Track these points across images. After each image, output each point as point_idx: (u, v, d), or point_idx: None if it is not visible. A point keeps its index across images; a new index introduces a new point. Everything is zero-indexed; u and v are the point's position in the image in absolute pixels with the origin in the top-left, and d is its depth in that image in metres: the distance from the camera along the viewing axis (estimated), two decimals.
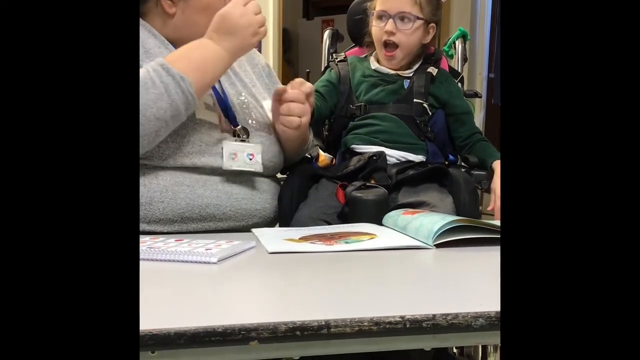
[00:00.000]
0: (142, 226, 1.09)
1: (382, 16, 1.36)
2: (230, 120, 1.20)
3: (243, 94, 1.27)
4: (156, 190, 1.09)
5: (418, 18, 1.35)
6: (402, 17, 1.35)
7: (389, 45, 1.37)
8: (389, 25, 1.35)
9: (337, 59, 1.52)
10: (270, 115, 1.29)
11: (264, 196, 1.21)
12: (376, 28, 1.39)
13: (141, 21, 1.18)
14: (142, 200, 1.08)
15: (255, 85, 1.34)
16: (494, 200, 1.28)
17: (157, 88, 1.03)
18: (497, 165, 1.33)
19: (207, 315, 0.60)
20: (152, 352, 0.56)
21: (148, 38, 1.16)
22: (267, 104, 1.31)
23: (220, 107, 1.20)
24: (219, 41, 1.09)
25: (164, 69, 1.04)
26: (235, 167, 1.16)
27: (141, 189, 1.09)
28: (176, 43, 1.19)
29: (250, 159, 1.18)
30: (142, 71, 1.05)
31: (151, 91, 1.02)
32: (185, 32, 1.19)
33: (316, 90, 1.40)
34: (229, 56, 1.11)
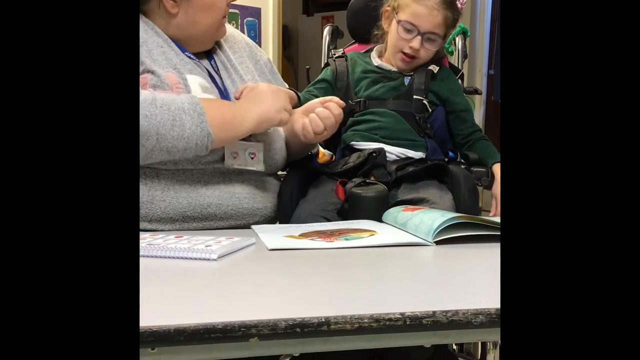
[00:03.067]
0: (144, 225, 1.09)
1: (410, 30, 1.35)
2: None
3: None
4: (157, 188, 1.09)
5: (442, 40, 1.36)
6: (430, 37, 1.34)
7: (408, 55, 1.37)
8: (416, 42, 1.34)
9: (335, 55, 1.52)
10: None
11: (266, 195, 1.21)
12: (400, 38, 1.36)
13: (144, 19, 1.18)
14: (143, 199, 1.08)
15: (257, 82, 1.33)
16: (495, 206, 1.29)
17: (184, 131, 1.05)
18: (496, 169, 1.33)
19: (207, 312, 0.60)
20: (152, 349, 0.56)
21: (151, 37, 1.16)
22: None
23: None
24: (246, 109, 1.13)
25: (200, 117, 1.06)
26: (236, 166, 1.16)
27: (142, 187, 1.08)
28: (180, 42, 1.19)
29: (252, 158, 1.18)
30: (179, 101, 1.06)
31: (177, 130, 1.04)
32: (189, 31, 1.19)
33: (311, 92, 1.40)
34: (252, 125, 1.13)
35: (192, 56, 1.21)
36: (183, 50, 1.20)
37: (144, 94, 1.04)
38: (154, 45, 1.15)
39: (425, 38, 1.34)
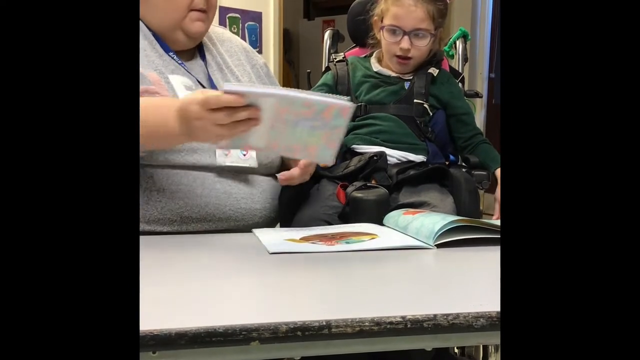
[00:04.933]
0: (142, 226, 1.09)
1: (395, 31, 1.35)
2: None
3: None
4: (153, 190, 1.09)
5: (431, 34, 1.35)
6: (416, 33, 1.34)
7: (402, 57, 1.37)
8: (405, 42, 1.34)
9: (335, 59, 1.52)
10: None
11: (264, 195, 1.21)
12: (389, 43, 1.37)
13: None
14: (139, 200, 1.09)
15: (254, 84, 1.34)
16: (499, 210, 1.29)
17: None
18: (499, 173, 1.33)
19: (208, 316, 0.60)
20: (153, 353, 0.56)
21: None
22: None
23: None
24: (180, 123, 0.97)
25: None
26: (228, 163, 1.15)
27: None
28: (163, 39, 1.19)
29: (244, 155, 1.17)
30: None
31: None
32: (148, 16, 1.18)
33: None
34: (184, 138, 1.00)
35: (175, 57, 1.20)
36: (167, 50, 1.20)
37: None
38: None
39: (412, 36, 1.34)
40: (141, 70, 1.12)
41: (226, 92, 0.88)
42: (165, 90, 1.12)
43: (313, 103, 0.89)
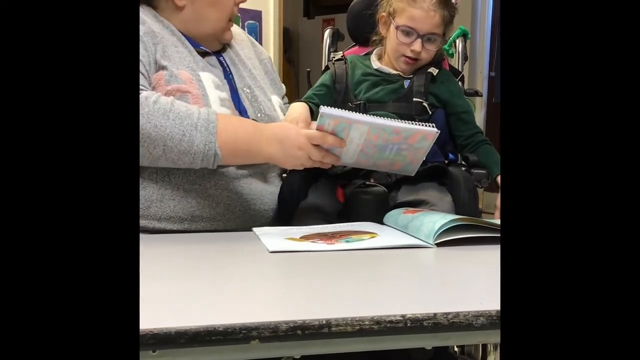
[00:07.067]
0: (153, 223, 1.10)
1: (409, 32, 1.35)
2: (240, 114, 1.21)
3: (252, 86, 1.28)
4: (168, 187, 1.10)
5: (441, 37, 1.36)
6: (429, 37, 1.34)
7: (410, 58, 1.37)
8: (417, 45, 1.34)
9: (334, 58, 1.52)
10: (278, 109, 1.30)
11: (272, 197, 1.22)
12: (400, 43, 1.36)
13: (159, 17, 1.19)
14: (153, 197, 1.09)
15: (264, 79, 1.36)
16: (499, 218, 1.29)
17: (192, 147, 1.04)
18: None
19: (208, 315, 0.60)
20: (153, 352, 0.56)
21: (166, 35, 1.18)
22: (275, 99, 1.32)
23: (233, 100, 1.21)
24: (268, 143, 1.09)
25: (210, 137, 1.05)
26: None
27: (153, 186, 1.09)
28: (186, 36, 1.20)
29: None
30: (194, 116, 1.05)
31: (184, 145, 1.04)
32: (195, 26, 1.21)
33: (310, 98, 1.40)
34: (263, 159, 1.12)
35: (205, 48, 1.22)
36: (195, 45, 1.21)
37: (162, 101, 1.04)
38: (168, 44, 1.16)
39: (425, 39, 1.34)
40: (173, 68, 1.13)
41: (322, 114, 0.99)
42: (195, 89, 1.13)
43: (401, 130, 1.03)
